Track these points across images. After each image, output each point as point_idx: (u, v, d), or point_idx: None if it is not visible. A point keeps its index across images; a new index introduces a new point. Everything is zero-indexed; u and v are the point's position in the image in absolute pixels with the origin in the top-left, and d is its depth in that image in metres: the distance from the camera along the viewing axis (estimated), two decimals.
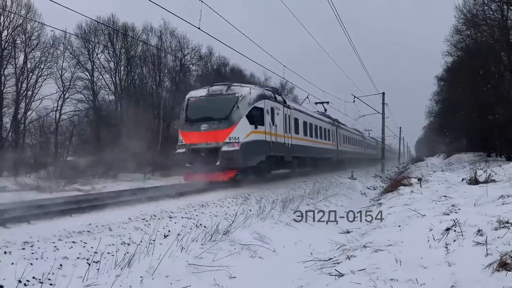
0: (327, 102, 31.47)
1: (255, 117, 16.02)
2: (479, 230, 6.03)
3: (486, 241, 5.37)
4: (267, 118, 16.90)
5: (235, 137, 15.13)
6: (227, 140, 15.11)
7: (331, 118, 30.69)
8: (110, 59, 36.40)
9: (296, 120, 20.84)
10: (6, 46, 27.51)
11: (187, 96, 17.16)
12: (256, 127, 15.97)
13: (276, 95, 18.89)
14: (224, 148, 15.03)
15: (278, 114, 18.09)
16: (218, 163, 14.99)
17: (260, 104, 16.41)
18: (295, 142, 20.25)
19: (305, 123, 22.52)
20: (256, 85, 19.59)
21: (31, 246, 6.34)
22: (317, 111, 29.79)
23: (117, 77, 36.70)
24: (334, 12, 20.01)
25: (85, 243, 6.99)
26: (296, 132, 20.70)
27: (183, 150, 15.85)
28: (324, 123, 27.35)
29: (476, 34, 30.35)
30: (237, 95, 15.87)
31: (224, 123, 15.31)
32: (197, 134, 15.59)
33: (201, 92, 16.80)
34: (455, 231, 6.30)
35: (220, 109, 15.66)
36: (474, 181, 13.67)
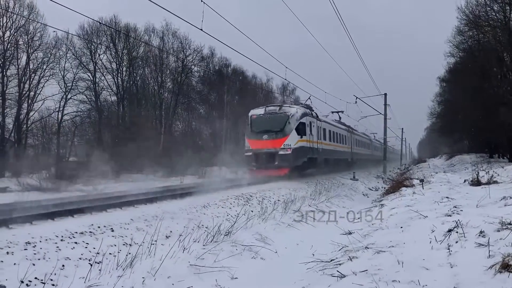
0: (342, 111, 35.46)
1: (301, 130, 21.48)
2: (481, 232, 6.01)
3: (488, 242, 5.36)
4: (308, 130, 22.24)
5: (288, 144, 20.67)
6: (282, 146, 20.61)
7: (346, 125, 35.58)
8: (112, 60, 36.45)
9: (324, 130, 26.02)
10: (8, 47, 27.55)
11: (249, 114, 22.87)
12: (301, 137, 21.42)
13: (311, 111, 24.36)
14: (281, 152, 20.54)
15: (313, 126, 23.39)
16: (276, 163, 20.53)
17: (303, 120, 21.85)
18: (324, 147, 25.62)
19: (330, 131, 27.69)
20: (298, 105, 24.39)
21: (34, 247, 6.36)
22: (335, 119, 34.14)
23: (119, 78, 36.72)
24: (336, 14, 19.98)
25: (87, 243, 7.01)
26: (324, 139, 25.94)
27: (250, 153, 21.61)
28: (342, 130, 32.30)
29: (479, 35, 30.27)
30: (288, 113, 21.39)
31: (280, 134, 20.87)
32: (260, 142, 21.25)
33: (260, 111, 22.44)
34: (457, 232, 6.28)
35: (276, 124, 21.19)
36: (476, 183, 13.63)
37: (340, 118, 36.23)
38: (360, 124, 45.79)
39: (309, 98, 32.52)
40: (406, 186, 16.43)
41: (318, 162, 24.25)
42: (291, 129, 20.97)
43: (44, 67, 30.00)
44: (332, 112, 34.67)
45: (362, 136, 43.67)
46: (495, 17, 28.05)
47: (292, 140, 20.84)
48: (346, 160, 33.38)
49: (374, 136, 56.94)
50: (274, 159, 20.61)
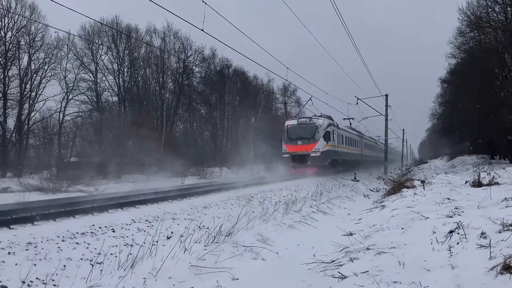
0: (353, 118, 39.55)
1: (326, 137, 27.35)
2: (482, 233, 6.00)
3: (489, 244, 5.35)
4: (331, 137, 28.30)
5: (317, 148, 26.39)
6: (313, 150, 26.31)
7: (357, 131, 41.51)
8: (113, 61, 36.47)
9: (341, 136, 31.84)
10: (10, 47, 27.58)
11: (285, 124, 28.90)
12: (327, 143, 27.35)
13: (333, 121, 30.35)
14: (312, 155, 26.25)
15: (335, 133, 29.41)
16: (308, 163, 26.13)
17: (328, 129, 27.91)
18: (342, 150, 31.52)
19: (346, 137, 33.60)
20: (323, 117, 29.51)
21: (35, 247, 6.36)
22: (347, 126, 38.46)
23: (120, 79, 36.74)
24: (337, 15, 20.02)
25: (89, 244, 7.02)
26: (342, 143, 31.80)
27: (287, 155, 27.31)
28: (354, 135, 38.15)
29: (480, 36, 30.26)
30: (316, 124, 27.27)
31: (311, 140, 26.61)
32: (295, 146, 26.97)
33: (294, 122, 28.48)
34: (458, 233, 6.28)
35: (308, 132, 27.00)
36: (477, 184, 13.60)
37: (350, 124, 40.38)
38: (361, 125, 46.69)
39: (310, 99, 32.85)
40: (407, 187, 16.42)
41: (339, 163, 30.20)
42: (319, 136, 26.89)
43: (46, 67, 30.08)
44: (344, 119, 39.15)
45: (369, 140, 49.17)
46: (496, 18, 28.05)
47: (321, 145, 26.74)
48: (357, 160, 38.81)
49: (378, 139, 58.60)
50: (306, 160, 26.38)
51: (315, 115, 29.82)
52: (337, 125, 31.21)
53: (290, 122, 28.64)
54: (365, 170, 36.85)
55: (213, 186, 18.47)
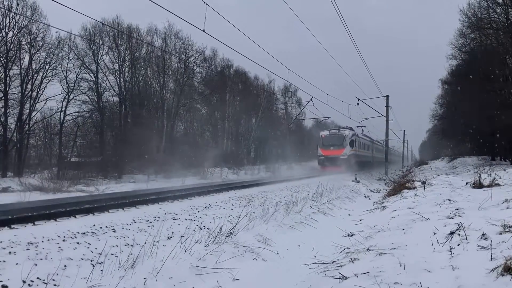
0: (365, 126, 45.23)
1: (351, 144, 36.67)
2: (483, 234, 6.00)
3: (490, 245, 5.35)
4: (354, 144, 37.50)
5: (345, 153, 35.52)
6: (342, 154, 35.34)
7: (369, 137, 49.15)
8: (114, 61, 36.36)
9: (360, 142, 41.27)
10: (11, 47, 27.57)
11: (320, 134, 38.43)
12: (352, 148, 36.59)
13: (355, 131, 40.02)
14: (341, 157, 35.10)
15: (356, 141, 38.66)
16: (338, 163, 34.51)
17: (352, 138, 37.35)
18: (361, 154, 40.86)
19: (363, 143, 43.04)
20: (349, 129, 39.69)
21: (36, 247, 6.37)
22: (361, 133, 45.30)
23: (121, 79, 36.69)
24: (338, 15, 20.03)
25: (89, 244, 7.02)
26: (361, 148, 41.25)
27: (322, 157, 36.68)
28: (367, 141, 46.83)
29: (481, 38, 30.25)
30: (344, 134, 36.77)
31: (340, 147, 35.72)
32: (328, 151, 36.06)
33: (326, 132, 37.87)
34: (459, 235, 6.28)
35: (338, 140, 36.29)
36: (478, 185, 13.60)
37: (362, 131, 46.35)
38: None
39: (310, 99, 32.96)
40: (408, 188, 16.43)
41: (358, 163, 37.11)
42: (346, 144, 36.31)
43: (47, 67, 30.00)
44: (358, 127, 45.47)
45: (378, 144, 55.54)
46: (498, 20, 28.05)
47: (347, 151, 36.21)
48: (370, 162, 46.46)
49: (383, 142, 60.29)
50: (337, 161, 35.29)
51: (342, 127, 40.58)
52: (357, 134, 40.40)
53: (323, 133, 38.52)
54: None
55: (213, 186, 18.53)
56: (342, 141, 36.40)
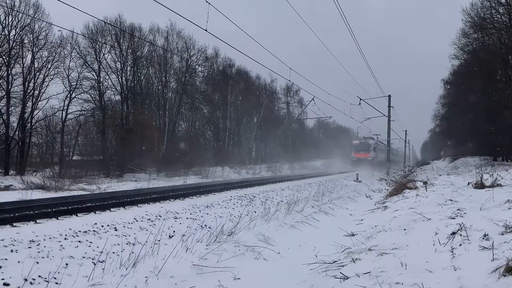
0: (379, 134, 57.16)
1: (375, 149, 52.10)
2: (485, 235, 5.98)
3: (492, 245, 5.34)
4: (376, 149, 52.36)
5: (371, 156, 50.73)
6: (368, 156, 50.54)
7: (383, 143, 55.17)
8: (116, 60, 36.39)
9: (379, 148, 53.79)
10: (14, 45, 27.56)
11: (352, 142, 55.92)
12: (374, 152, 51.63)
13: (376, 140, 55.19)
14: (368, 159, 49.75)
15: (377, 147, 52.80)
16: (365, 163, 47.42)
17: (375, 145, 52.81)
18: (379, 156, 52.04)
19: (380, 148, 54.05)
20: (372, 139, 54.23)
21: (38, 245, 6.38)
22: (378, 139, 56.81)
23: (123, 78, 36.72)
24: (341, 16, 20.05)
25: (91, 242, 7.03)
26: (379, 152, 52.85)
27: (355, 159, 51.02)
28: (383, 147, 53.82)
29: (484, 38, 30.18)
30: (369, 143, 52.72)
31: (366, 151, 51.26)
32: (358, 154, 51.39)
33: (357, 141, 54.98)
34: (461, 235, 6.26)
35: (365, 147, 51.94)
36: (480, 185, 13.58)
37: (377, 138, 57.03)
38: (364, 126, 50.17)
39: (312, 99, 32.99)
40: (410, 188, 16.41)
41: (378, 163, 49.52)
42: (371, 149, 51.00)
43: (49, 66, 29.97)
44: (373, 135, 57.46)
45: (396, 150, 67.27)
46: (500, 20, 27.98)
47: (372, 154, 50.65)
48: (384, 161, 53.33)
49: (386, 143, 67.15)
50: (365, 161, 48.11)
51: (367, 137, 55.00)
52: (377, 142, 54.52)
53: (355, 141, 55.20)
54: (363, 172, 45.65)
55: (215, 185, 18.59)
56: (368, 147, 51.64)
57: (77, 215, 9.47)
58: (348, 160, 54.54)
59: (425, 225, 7.76)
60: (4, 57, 27.27)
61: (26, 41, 28.59)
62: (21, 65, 28.57)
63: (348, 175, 31.22)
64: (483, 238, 5.90)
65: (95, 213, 10.04)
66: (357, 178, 27.88)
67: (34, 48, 28.91)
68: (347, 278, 5.63)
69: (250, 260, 8.05)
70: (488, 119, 27.41)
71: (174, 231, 8.60)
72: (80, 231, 7.45)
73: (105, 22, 30.62)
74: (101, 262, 6.31)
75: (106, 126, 33.82)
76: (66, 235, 7.11)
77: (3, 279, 5.14)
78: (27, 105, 29.00)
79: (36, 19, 28.46)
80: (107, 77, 35.91)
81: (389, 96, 42.15)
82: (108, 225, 8.15)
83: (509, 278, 4.36)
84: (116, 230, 7.99)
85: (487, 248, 5.36)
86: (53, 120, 33.87)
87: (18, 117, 28.84)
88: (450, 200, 10.55)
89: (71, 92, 32.19)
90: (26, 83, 28.62)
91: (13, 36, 27.62)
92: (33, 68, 28.97)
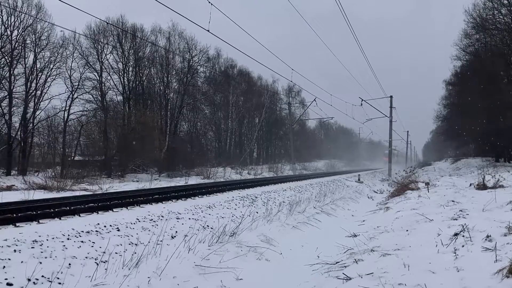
0: (396, 146, 69.22)
1: (396, 155, 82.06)
2: (488, 236, 5.97)
3: (495, 247, 5.33)
4: (395, 155, 73.31)
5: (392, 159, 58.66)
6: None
7: (396, 150, 65.78)
8: (118, 60, 36.41)
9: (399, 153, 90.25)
10: (16, 46, 27.61)
11: (384, 152, 79.98)
12: (396, 157, 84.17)
13: (397, 149, 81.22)
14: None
15: (397, 153, 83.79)
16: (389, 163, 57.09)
17: (395, 153, 74.28)
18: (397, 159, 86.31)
19: (396, 154, 74.89)
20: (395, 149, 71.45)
21: (41, 245, 6.39)
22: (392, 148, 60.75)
23: (125, 78, 36.74)
24: (342, 15, 19.99)
25: (94, 242, 7.03)
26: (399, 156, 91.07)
27: (384, 160, 78.00)
28: (394, 150, 55.02)
29: (486, 39, 30.11)
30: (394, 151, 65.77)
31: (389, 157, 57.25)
32: (386, 157, 65.61)
33: (386, 151, 64.83)
34: (463, 236, 6.25)
35: (391, 154, 54.64)
36: (482, 186, 13.54)
37: (395, 147, 69.00)
38: (366, 127, 50.65)
39: (314, 100, 32.95)
40: (412, 189, 16.38)
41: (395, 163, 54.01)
42: (395, 155, 64.10)
43: (51, 66, 30.00)
44: (384, 141, 69.35)
45: (397, 151, 75.77)
46: (503, 21, 27.90)
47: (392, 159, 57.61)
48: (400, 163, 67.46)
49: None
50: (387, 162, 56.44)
51: (390, 150, 60.73)
52: (398, 150, 68.87)
53: (386, 151, 63.63)
54: (364, 173, 46.48)
55: (217, 186, 18.54)
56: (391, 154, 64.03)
57: (79, 215, 9.49)
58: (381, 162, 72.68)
59: (428, 226, 7.75)
60: (6, 57, 27.32)
61: (28, 41, 28.63)
62: (23, 65, 28.63)
63: (350, 176, 31.23)
64: (485, 239, 5.89)
65: (98, 213, 10.06)
66: (358, 179, 27.84)
67: (36, 48, 28.96)
68: (350, 279, 5.63)
69: (252, 261, 8.06)
70: (490, 120, 27.35)
71: (176, 232, 8.61)
72: (82, 231, 7.46)
73: (107, 23, 30.59)
74: (104, 262, 6.32)
75: (108, 126, 33.82)
76: (69, 235, 7.12)
77: (6, 279, 5.16)
78: (29, 105, 29.02)
79: (38, 20, 28.52)
80: (109, 77, 35.96)
81: (391, 97, 42.16)
82: (110, 226, 8.16)
83: None
84: (118, 230, 8.00)
85: (490, 249, 5.35)
86: (55, 121, 33.94)
87: (20, 117, 28.87)
88: (452, 201, 10.53)
89: (73, 93, 32.21)
90: (28, 84, 28.66)
91: (15, 37, 27.68)
92: (35, 68, 29.02)
